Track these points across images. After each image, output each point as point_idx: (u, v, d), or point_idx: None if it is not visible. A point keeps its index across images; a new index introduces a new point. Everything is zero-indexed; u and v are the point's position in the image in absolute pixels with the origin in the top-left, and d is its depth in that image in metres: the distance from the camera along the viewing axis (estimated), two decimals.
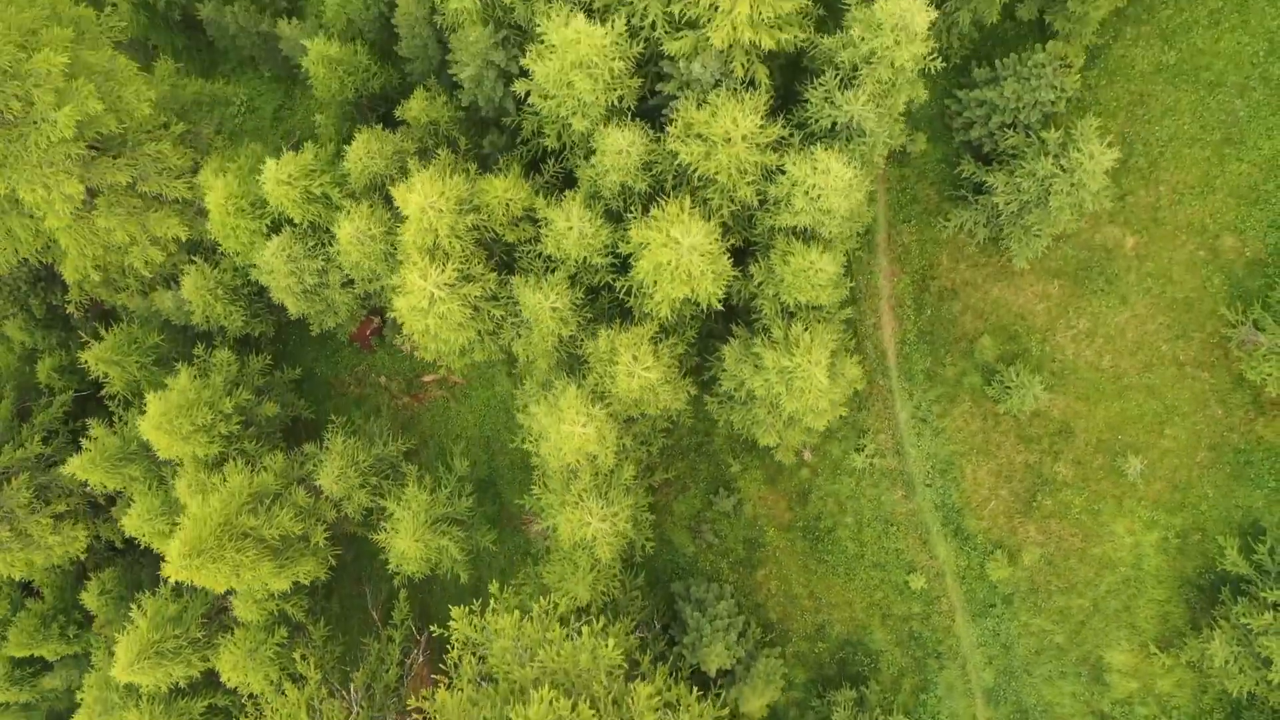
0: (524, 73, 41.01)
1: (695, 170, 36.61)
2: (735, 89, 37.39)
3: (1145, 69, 42.98)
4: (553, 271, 40.07)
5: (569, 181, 43.83)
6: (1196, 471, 43.10)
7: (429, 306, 38.67)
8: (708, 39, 36.40)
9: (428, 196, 37.22)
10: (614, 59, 36.78)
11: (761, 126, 35.41)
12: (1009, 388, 43.32)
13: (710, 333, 45.30)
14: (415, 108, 44.33)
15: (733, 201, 37.55)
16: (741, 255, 40.94)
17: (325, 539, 46.27)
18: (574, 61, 36.63)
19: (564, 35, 36.19)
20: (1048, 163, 37.70)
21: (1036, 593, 45.46)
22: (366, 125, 51.75)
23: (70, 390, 54.92)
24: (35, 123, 39.85)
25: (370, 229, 40.97)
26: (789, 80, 40.33)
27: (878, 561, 47.32)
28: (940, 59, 36.18)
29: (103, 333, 52.56)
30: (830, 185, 33.99)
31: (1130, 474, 43.48)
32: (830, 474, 47.60)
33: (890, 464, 46.83)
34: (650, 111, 41.51)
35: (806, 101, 37.38)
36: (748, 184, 36.38)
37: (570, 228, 37.47)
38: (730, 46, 36.62)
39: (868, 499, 47.25)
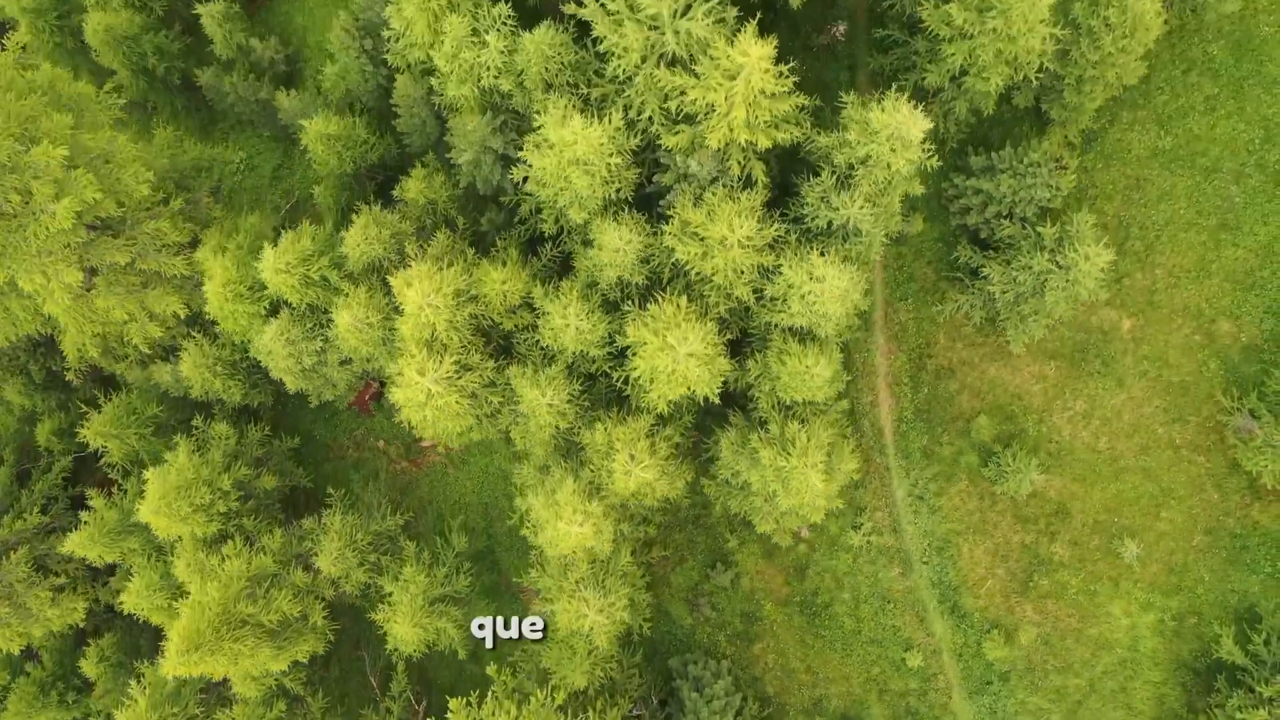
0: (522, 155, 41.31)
1: (692, 269, 36.72)
2: (731, 186, 37.54)
3: (1141, 153, 43.07)
4: (550, 362, 40.17)
5: (566, 265, 43.97)
6: (1193, 555, 43.18)
7: (426, 400, 38.80)
8: (704, 137, 36.53)
9: (425, 294, 37.33)
10: (611, 155, 36.92)
11: (758, 228, 35.53)
12: (1005, 472, 43.40)
13: (708, 410, 45.36)
14: (413, 189, 44.49)
15: (729, 298, 37.66)
16: (738, 345, 41.08)
17: (324, 616, 46.36)
18: (571, 159, 36.78)
19: (561, 134, 36.32)
20: (1043, 259, 37.81)
21: (1033, 671, 45.54)
22: (365, 196, 52.05)
23: (69, 455, 55.10)
24: (34, 214, 39.95)
25: (368, 316, 41.08)
26: (786, 170, 40.41)
27: (875, 638, 47.41)
28: (935, 155, 36.24)
29: (101, 400, 52.81)
30: (826, 292, 34.09)
31: (1127, 556, 43.57)
32: (827, 550, 47.70)
33: (887, 541, 46.92)
34: (648, 199, 41.67)
35: (803, 196, 37.48)
36: (744, 284, 36.49)
37: (567, 325, 37.58)
38: (727, 145, 36.76)
39: (865, 575, 47.34)
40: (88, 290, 45.42)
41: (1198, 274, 42.86)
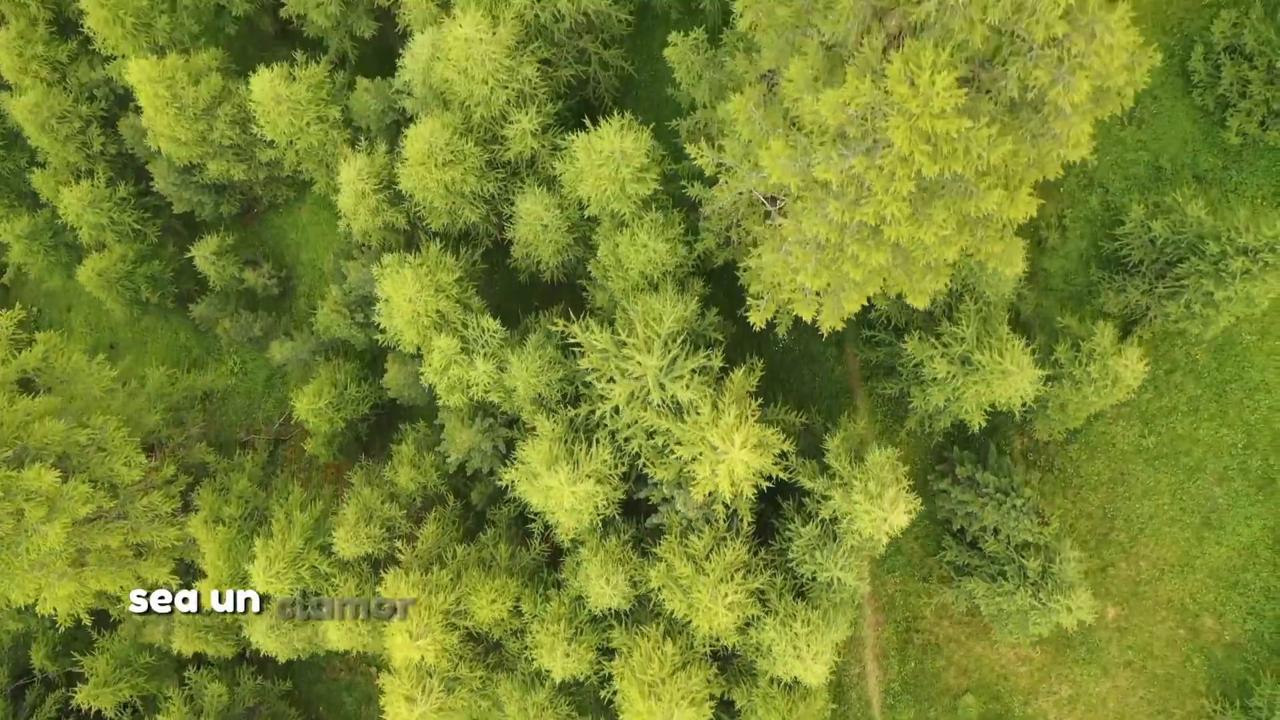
0: (511, 444, 41.86)
1: (680, 615, 37.06)
2: (717, 525, 37.88)
3: (1126, 449, 43.42)
4: (540, 682, 40.46)
5: (555, 558, 44.26)
6: None
7: None
8: (690, 475, 36.85)
9: (414, 636, 37.65)
10: (598, 496, 37.28)
11: (744, 582, 35.85)
12: None
13: None
14: (404, 476, 44.75)
15: (716, 641, 37.98)
16: (727, 659, 41.35)
17: None
18: (557, 503, 37.13)
19: (547, 480, 36.67)
20: (1026, 594, 38.13)
21: None
22: (358, 437, 52.37)
23: (63, 685, 55.36)
24: (26, 532, 40.28)
25: (357, 627, 41.39)
26: (774, 490, 40.65)
27: None
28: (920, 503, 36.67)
29: (95, 636, 53.14)
30: (807, 669, 34.43)
31: None
32: None
33: None
34: (635, 505, 42.00)
35: (790, 539, 37.81)
36: (731, 633, 36.82)
37: (555, 662, 37.90)
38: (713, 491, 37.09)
39: None
40: (79, 569, 45.68)
41: (1181, 569, 43.18)
